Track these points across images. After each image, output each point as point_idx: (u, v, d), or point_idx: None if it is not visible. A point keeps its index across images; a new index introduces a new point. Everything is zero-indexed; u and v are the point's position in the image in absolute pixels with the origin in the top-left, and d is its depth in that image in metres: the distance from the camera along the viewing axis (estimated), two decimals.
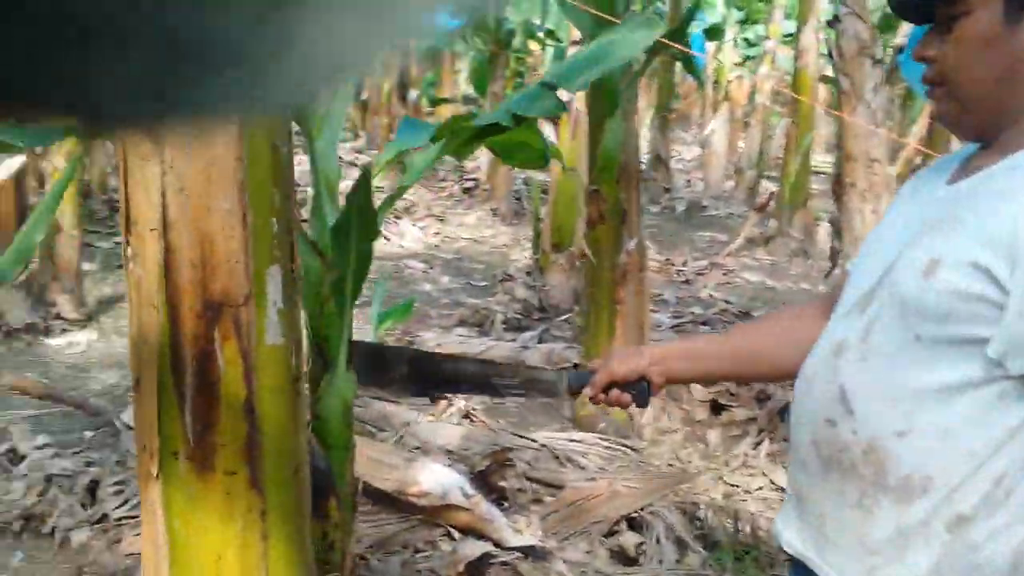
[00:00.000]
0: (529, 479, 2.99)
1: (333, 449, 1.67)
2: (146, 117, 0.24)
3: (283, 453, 1.26)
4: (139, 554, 2.65)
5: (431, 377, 1.50)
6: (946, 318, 0.97)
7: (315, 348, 1.67)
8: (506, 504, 2.78)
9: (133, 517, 2.75)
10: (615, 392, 1.28)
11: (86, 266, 5.66)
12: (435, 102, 11.60)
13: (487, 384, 1.46)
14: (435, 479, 2.67)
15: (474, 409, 3.56)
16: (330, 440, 1.67)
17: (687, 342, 1.23)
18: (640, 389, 1.28)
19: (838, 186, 3.09)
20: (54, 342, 4.35)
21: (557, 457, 3.18)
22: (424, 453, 3.07)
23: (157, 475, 1.21)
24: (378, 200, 1.73)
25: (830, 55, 3.16)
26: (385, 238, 7.11)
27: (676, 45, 3.34)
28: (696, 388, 4.04)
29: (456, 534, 2.67)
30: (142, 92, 0.22)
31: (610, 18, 3.01)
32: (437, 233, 7.45)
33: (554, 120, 5.38)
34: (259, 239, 1.18)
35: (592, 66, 1.70)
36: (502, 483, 2.79)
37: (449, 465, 2.82)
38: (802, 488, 1.11)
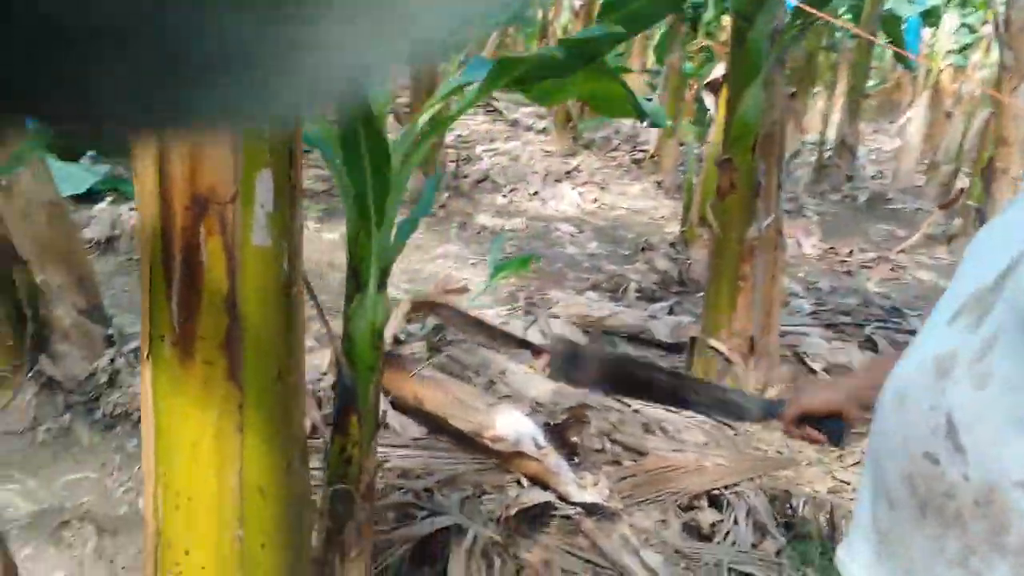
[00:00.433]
0: (613, 441, 2.94)
1: (359, 369, 1.71)
2: (147, 121, 0.24)
3: (265, 353, 1.31)
4: None
5: (623, 381, 1.60)
6: None
7: (351, 270, 1.71)
8: (576, 460, 2.75)
9: None
10: (807, 428, 1.21)
11: None
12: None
13: (677, 396, 1.51)
14: (510, 426, 2.68)
15: None
16: (356, 360, 1.71)
17: (880, 367, 1.03)
18: (835, 427, 1.20)
19: (988, 172, 2.80)
20: None
21: (647, 424, 3.11)
22: (512, 401, 3.09)
23: (148, 356, 1.29)
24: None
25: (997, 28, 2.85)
26: (542, 200, 7.15)
27: (817, 12, 3.13)
28: (824, 377, 3.83)
29: (525, 482, 2.68)
30: (142, 95, 0.22)
31: None
32: (595, 200, 7.40)
33: (714, 88, 5.19)
34: (249, 141, 1.21)
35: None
36: (575, 439, 2.76)
37: (528, 414, 2.82)
38: (886, 527, 0.94)
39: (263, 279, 1.28)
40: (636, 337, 4.38)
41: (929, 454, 0.85)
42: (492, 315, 4.36)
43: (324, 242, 5.42)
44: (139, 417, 2.97)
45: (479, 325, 3.40)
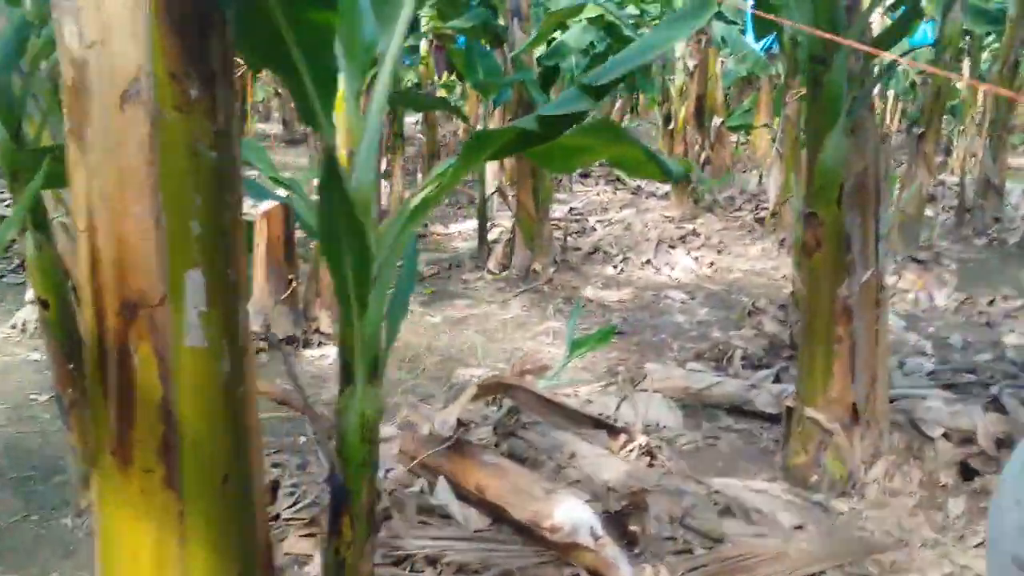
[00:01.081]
0: (685, 527, 2.74)
1: (350, 465, 1.65)
2: None
3: (207, 458, 1.26)
4: (297, 555, 2.82)
5: None
6: None
7: (341, 363, 1.67)
8: (637, 551, 2.57)
9: (301, 519, 2.93)
10: None
11: None
12: (737, 128, 11.29)
13: None
14: (568, 515, 2.54)
15: (658, 447, 3.34)
16: (348, 456, 1.65)
17: None
18: None
19: None
20: (309, 353, 4.80)
21: (727, 507, 2.89)
22: (580, 486, 2.94)
23: (94, 466, 1.27)
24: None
25: None
26: (654, 268, 7.00)
27: (881, 51, 2.92)
28: (943, 445, 3.48)
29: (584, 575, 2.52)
30: None
31: None
32: (712, 264, 7.17)
33: None
34: (176, 242, 1.20)
35: (627, 63, 1.53)
36: (635, 527, 2.58)
37: (589, 501, 2.67)
38: None
39: (200, 381, 1.25)
40: (738, 409, 4.14)
41: (1016, 557, 0.72)
42: (586, 391, 4.24)
43: (425, 326, 5.45)
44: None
45: (554, 406, 3.28)
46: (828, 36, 2.96)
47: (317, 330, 4.94)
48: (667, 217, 8.81)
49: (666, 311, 5.92)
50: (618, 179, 11.30)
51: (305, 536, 2.87)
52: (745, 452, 3.79)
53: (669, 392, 4.25)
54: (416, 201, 1.59)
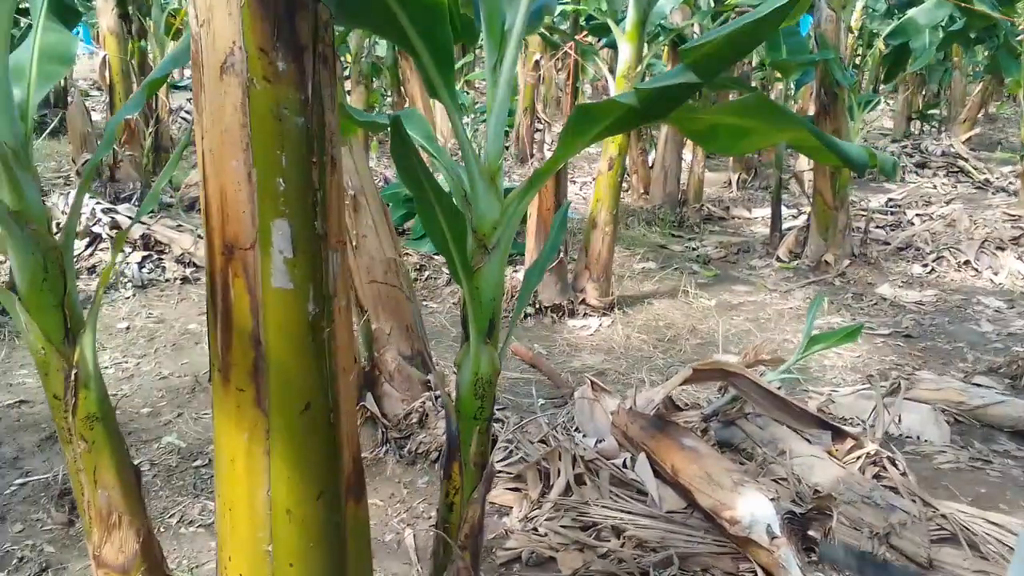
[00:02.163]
0: (890, 546, 2.50)
1: (463, 418, 1.75)
2: None
3: (291, 386, 1.44)
4: (500, 504, 2.99)
5: None
6: None
7: (462, 324, 1.77)
8: (814, 558, 2.39)
9: (508, 473, 3.11)
10: None
11: (642, 265, 6.26)
12: None
13: None
14: (748, 509, 2.45)
15: (893, 459, 3.05)
16: (461, 409, 1.75)
17: None
18: None
19: None
20: (572, 323, 4.97)
21: (954, 535, 2.59)
22: (783, 484, 2.80)
23: (210, 380, 1.50)
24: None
25: None
26: (974, 269, 6.27)
27: None
28: None
29: (761, 574, 2.41)
30: None
31: None
32: None
33: None
34: (264, 194, 1.38)
35: (723, 32, 1.44)
36: (815, 533, 2.41)
37: (774, 499, 2.53)
38: None
39: (285, 318, 1.42)
40: (1022, 433, 3.64)
41: None
42: (846, 392, 3.96)
43: (697, 307, 5.39)
44: (436, 457, 3.29)
45: (776, 399, 3.12)
46: None
47: (583, 301, 5.10)
48: (1011, 216, 7.77)
49: (971, 318, 5.29)
50: (962, 171, 10.15)
51: (510, 489, 3.04)
52: (1019, 482, 3.34)
53: (940, 404, 3.84)
54: (527, 179, 1.65)
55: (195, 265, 5.44)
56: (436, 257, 6.01)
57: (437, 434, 3.35)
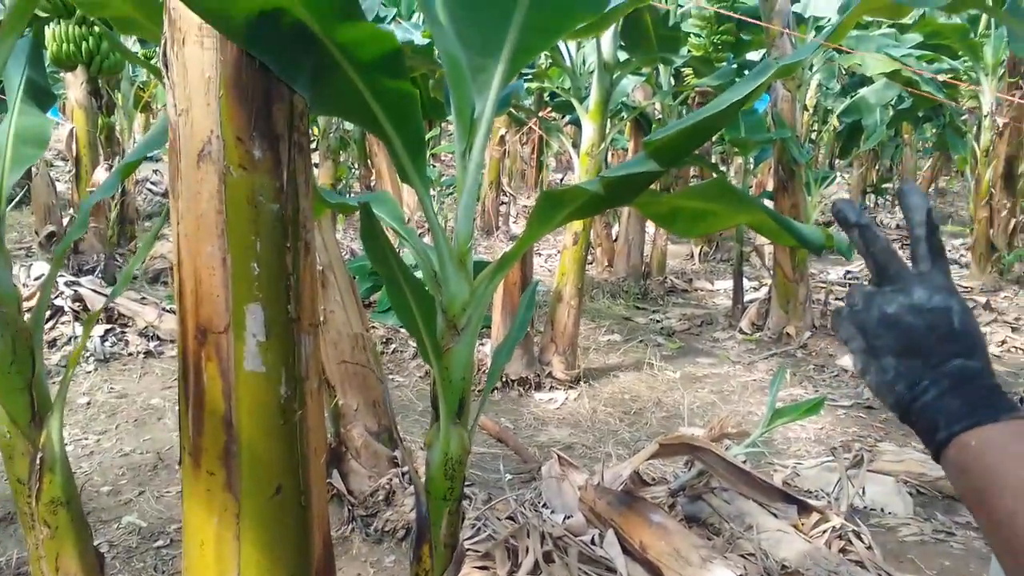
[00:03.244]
0: None
1: (433, 498, 1.75)
2: None
3: (262, 469, 1.44)
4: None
5: None
6: None
7: (432, 402, 1.79)
8: None
9: (476, 551, 3.08)
10: None
11: (607, 337, 6.31)
12: None
13: None
14: None
15: (859, 532, 3.08)
16: (431, 489, 1.75)
17: None
18: None
19: None
20: (538, 396, 4.98)
21: None
22: (751, 560, 2.81)
23: (179, 462, 1.50)
24: None
25: None
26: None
27: None
28: None
29: None
30: None
31: None
32: (1003, 342, 6.41)
33: None
34: (239, 279, 1.40)
35: (688, 124, 1.51)
36: None
37: (742, 575, 2.54)
38: None
39: (258, 402, 1.43)
40: None
41: None
42: (810, 464, 3.99)
43: (662, 380, 5.43)
44: (403, 535, 3.25)
45: (741, 473, 3.15)
46: None
47: (550, 374, 5.12)
48: (963, 287, 8.00)
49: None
50: None
51: (478, 567, 3.01)
52: (981, 554, 3.37)
53: (903, 476, 3.89)
54: (497, 260, 1.69)
55: (159, 339, 5.39)
56: (402, 330, 6.02)
57: (404, 511, 3.32)
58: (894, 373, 0.78)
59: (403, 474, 3.40)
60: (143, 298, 5.78)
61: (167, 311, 5.48)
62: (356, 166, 10.11)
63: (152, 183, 11.87)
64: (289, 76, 1.38)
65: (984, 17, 8.23)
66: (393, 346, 5.63)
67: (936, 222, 0.82)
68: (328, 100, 1.49)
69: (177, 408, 1.53)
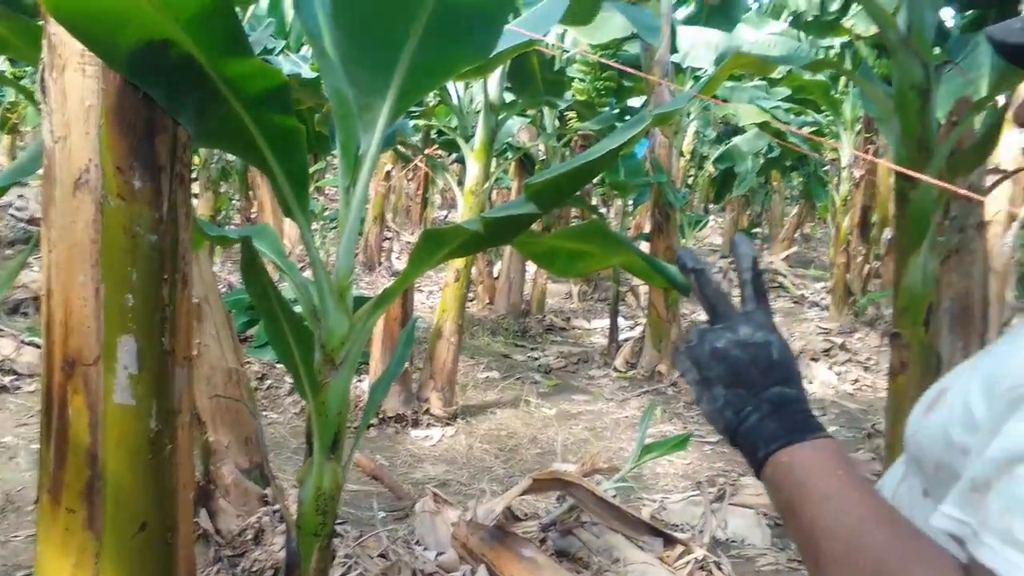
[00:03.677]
0: None
1: (304, 533, 1.74)
2: None
3: (127, 506, 1.41)
4: None
5: None
6: (937, 470, 0.80)
7: (307, 437, 1.78)
8: None
9: None
10: None
11: (485, 374, 6.37)
12: None
13: None
14: None
15: (719, 563, 3.21)
16: (303, 524, 1.74)
17: None
18: None
19: None
20: (415, 433, 4.97)
21: None
22: None
23: (36, 501, 1.44)
24: None
25: None
26: None
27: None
28: None
29: None
30: None
31: None
32: (856, 381, 6.80)
33: None
34: (112, 310, 1.37)
35: (566, 169, 1.59)
36: None
37: None
38: None
39: (126, 435, 1.40)
40: None
41: None
42: (677, 499, 4.13)
43: (537, 417, 5.51)
44: (272, 574, 3.17)
45: (610, 508, 3.24)
46: (902, 169, 2.87)
47: (427, 411, 5.12)
48: (823, 329, 8.45)
49: None
50: (780, 286, 10.98)
51: None
52: None
53: (763, 508, 4.06)
54: (378, 295, 1.71)
55: (15, 372, 5.10)
56: (278, 366, 5.90)
57: (274, 550, 3.25)
58: (723, 401, 0.85)
59: (274, 512, 3.32)
60: (0, 330, 5.47)
61: (27, 343, 5.19)
62: (237, 197, 9.90)
63: (16, 208, 11.25)
64: (173, 108, 1.38)
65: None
66: (268, 382, 5.51)
67: (759, 268, 0.93)
68: (212, 133, 1.49)
69: (32, 447, 1.48)
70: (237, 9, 1.50)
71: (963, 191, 3.04)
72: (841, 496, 0.73)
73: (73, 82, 1.35)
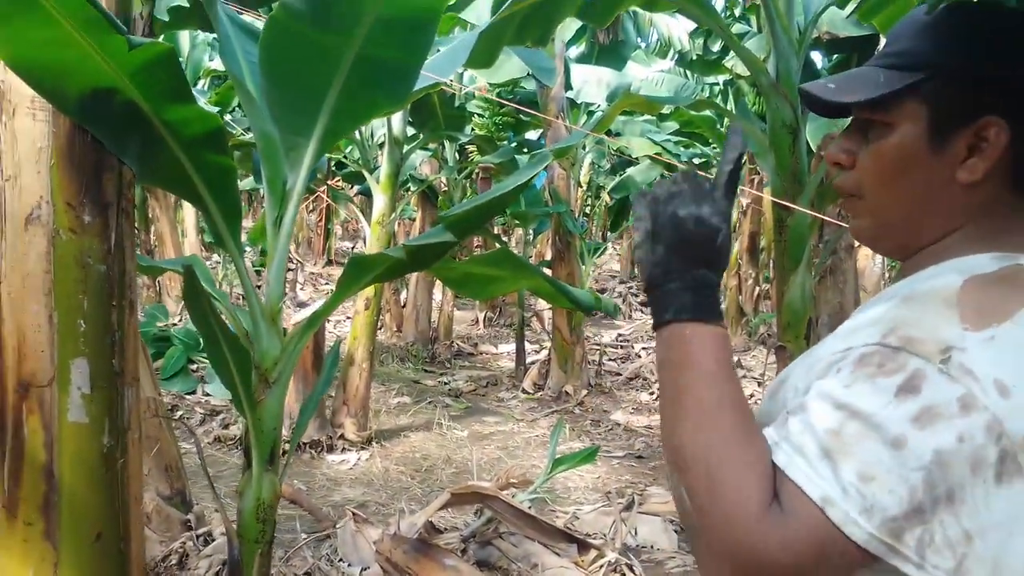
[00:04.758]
0: None
1: (245, 541, 1.86)
2: None
3: (82, 517, 1.51)
4: None
5: None
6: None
7: (244, 451, 1.91)
8: None
9: None
10: None
11: (397, 399, 6.48)
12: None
13: None
14: None
15: (631, 566, 3.42)
16: (243, 533, 1.86)
17: None
18: None
19: None
20: (331, 458, 5.06)
21: None
22: None
23: None
24: None
25: None
26: None
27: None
28: None
29: None
30: None
31: None
32: (751, 396, 7.17)
33: None
34: (65, 335, 1.49)
35: (478, 203, 1.78)
36: None
37: None
38: None
39: (80, 451, 1.51)
40: None
41: None
42: (589, 509, 4.33)
43: (451, 439, 5.66)
44: None
45: (527, 518, 3.42)
46: (778, 200, 3.17)
47: (342, 436, 5.21)
48: None
49: None
50: None
51: None
52: None
53: (669, 515, 4.30)
54: (307, 317, 1.86)
55: None
56: (188, 397, 5.89)
57: (198, 574, 3.30)
58: (660, 259, 0.96)
59: (197, 537, 3.38)
60: None
61: None
62: (138, 230, 9.75)
63: None
64: (119, 149, 1.52)
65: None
66: (180, 412, 5.51)
67: (740, 164, 1.01)
68: (154, 171, 1.62)
69: None
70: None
71: (831, 219, 3.36)
72: (716, 375, 0.88)
73: (23, 126, 1.47)
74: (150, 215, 7.99)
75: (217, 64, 7.87)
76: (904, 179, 0.94)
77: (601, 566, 3.38)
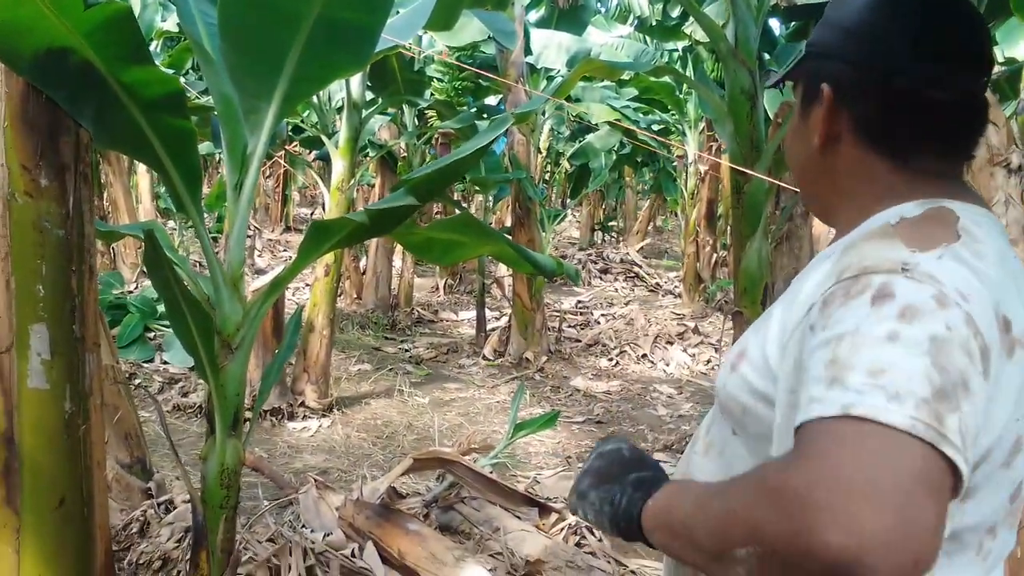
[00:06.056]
0: None
1: (210, 506, 1.87)
2: None
3: (44, 483, 1.51)
4: None
5: None
6: (744, 413, 0.98)
7: (207, 417, 1.91)
8: None
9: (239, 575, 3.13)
10: None
11: (358, 367, 6.48)
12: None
13: None
14: None
15: (591, 528, 3.48)
16: (208, 498, 1.87)
17: None
18: None
19: None
20: (292, 425, 5.05)
21: None
22: (499, 558, 3.10)
23: None
24: None
25: None
26: (650, 362, 7.15)
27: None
28: None
29: None
30: None
31: None
32: (708, 361, 7.29)
33: None
34: (24, 300, 1.47)
35: (439, 166, 1.79)
36: None
37: (492, 570, 2.83)
38: None
39: (41, 418, 1.50)
40: None
41: None
42: (549, 474, 4.39)
43: (412, 405, 5.67)
44: (160, 566, 3.22)
45: (488, 482, 3.45)
46: (736, 166, 3.21)
47: (303, 403, 5.20)
48: (677, 315, 8.97)
49: (649, 404, 6.06)
50: (637, 276, 11.52)
51: None
52: None
53: None
54: (269, 283, 1.85)
55: None
56: (146, 365, 5.83)
57: (160, 542, 3.29)
58: (599, 500, 1.02)
59: (158, 505, 3.37)
60: None
61: None
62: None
63: None
64: (75, 111, 1.49)
65: None
66: (138, 380, 5.45)
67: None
68: (112, 134, 1.60)
69: None
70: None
71: (789, 185, 3.41)
72: (698, 496, 0.89)
73: None
74: (103, 180, 7.82)
75: (170, 25, 7.68)
76: (792, 151, 1.09)
77: (562, 529, 3.43)
